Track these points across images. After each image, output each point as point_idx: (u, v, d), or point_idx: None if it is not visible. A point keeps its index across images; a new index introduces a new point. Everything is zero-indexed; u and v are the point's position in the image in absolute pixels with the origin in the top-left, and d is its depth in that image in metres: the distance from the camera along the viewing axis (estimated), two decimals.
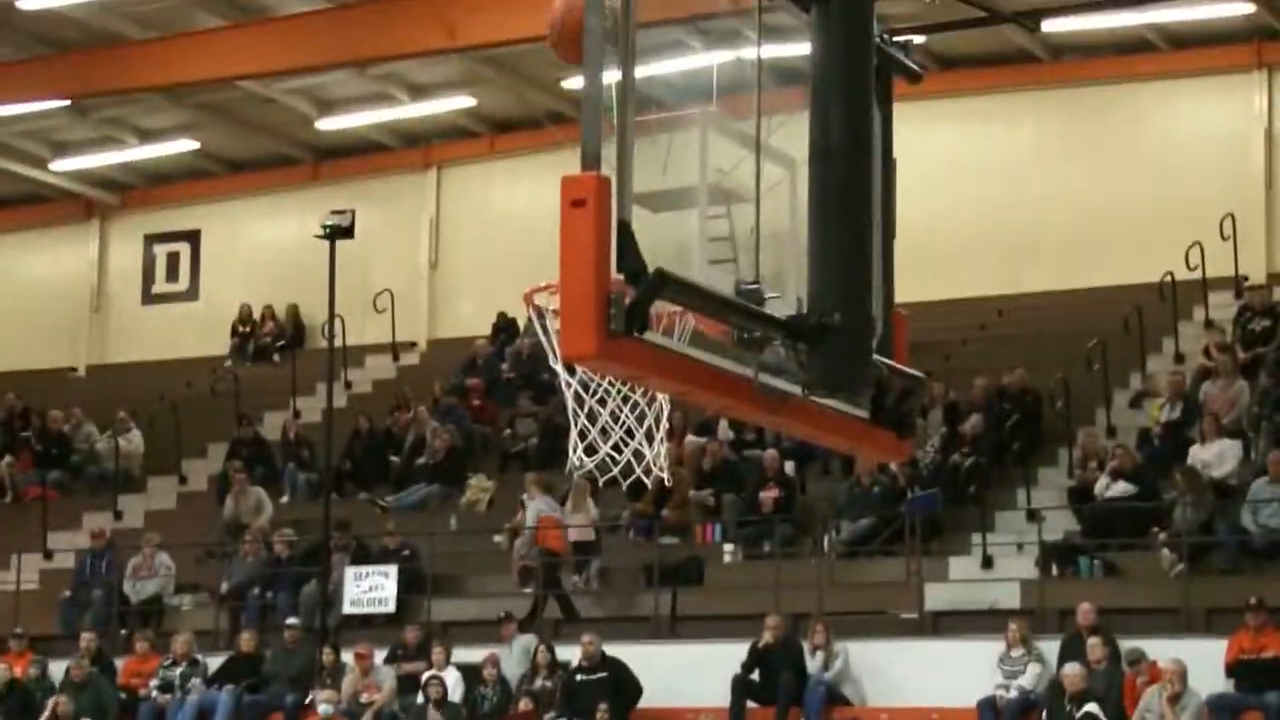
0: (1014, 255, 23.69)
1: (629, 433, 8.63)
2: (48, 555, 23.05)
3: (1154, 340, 21.34)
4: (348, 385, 25.53)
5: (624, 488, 19.62)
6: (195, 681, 19.07)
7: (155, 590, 21.04)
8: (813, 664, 17.15)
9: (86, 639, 19.63)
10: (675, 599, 18.60)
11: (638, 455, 8.68)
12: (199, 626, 20.27)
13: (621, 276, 5.61)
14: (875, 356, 6.38)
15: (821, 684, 16.97)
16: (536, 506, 19.64)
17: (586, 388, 8.21)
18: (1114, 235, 23.09)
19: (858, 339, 6.23)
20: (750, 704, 17.05)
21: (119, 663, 19.85)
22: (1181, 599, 16.63)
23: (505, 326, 24.94)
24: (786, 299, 6.29)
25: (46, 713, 18.61)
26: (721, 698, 17.00)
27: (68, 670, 19.12)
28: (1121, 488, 17.73)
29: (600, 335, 5.52)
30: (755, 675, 17.14)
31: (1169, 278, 21.50)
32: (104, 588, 21.03)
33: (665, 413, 8.52)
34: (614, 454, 8.64)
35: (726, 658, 17.17)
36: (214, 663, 19.41)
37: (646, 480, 9.34)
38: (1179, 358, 21.04)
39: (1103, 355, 19.94)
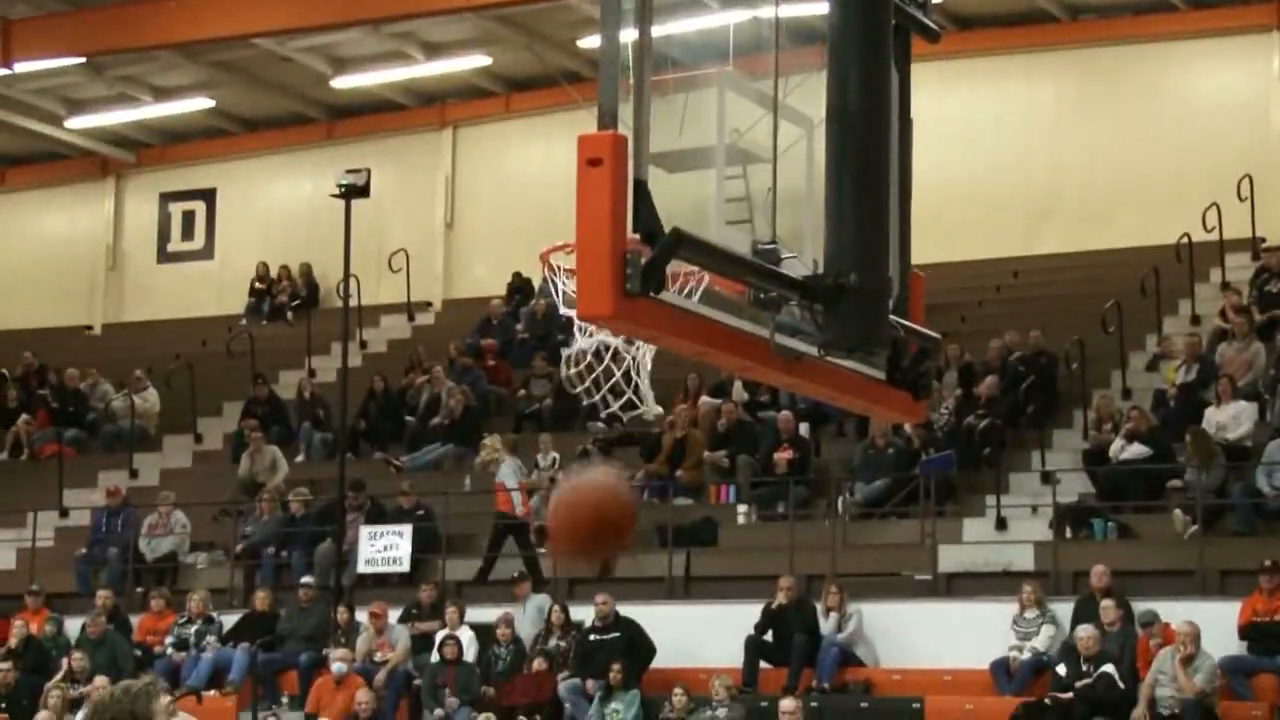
0: (1030, 216, 23.63)
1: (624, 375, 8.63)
2: (64, 513, 23.13)
3: (1170, 302, 21.27)
4: (363, 345, 25.54)
5: (639, 449, 19.87)
6: (210, 639, 19.15)
7: (170, 548, 21.11)
8: (826, 625, 17.18)
9: (102, 596, 19.69)
10: (689, 560, 18.62)
11: (623, 396, 8.70)
12: (214, 585, 20.34)
13: (638, 236, 5.59)
14: (891, 317, 6.37)
15: (835, 645, 17.00)
16: (506, 468, 19.65)
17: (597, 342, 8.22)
18: (1131, 196, 23.01)
19: (874, 299, 6.21)
20: (763, 664, 17.08)
21: (134, 620, 19.92)
22: (1195, 561, 16.62)
23: (520, 287, 24.92)
24: (803, 259, 6.27)
25: (62, 669, 18.69)
26: (735, 658, 17.04)
27: (84, 627, 19.20)
28: (1136, 450, 17.70)
29: (616, 295, 5.51)
30: (768, 636, 17.18)
31: (1186, 239, 21.42)
32: (119, 546, 21.09)
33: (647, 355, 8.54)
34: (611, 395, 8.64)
35: (740, 618, 17.21)
36: (229, 620, 19.48)
37: (627, 412, 9.36)
38: (1195, 320, 20.98)
39: (1119, 317, 19.88)
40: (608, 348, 8.57)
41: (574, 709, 17.05)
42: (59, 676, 18.55)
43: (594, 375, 8.28)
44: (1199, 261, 21.51)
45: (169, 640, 19.33)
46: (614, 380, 8.45)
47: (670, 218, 5.63)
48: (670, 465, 19.85)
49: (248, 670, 18.71)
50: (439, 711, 17.38)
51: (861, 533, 18.68)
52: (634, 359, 8.50)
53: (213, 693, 18.61)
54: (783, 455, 19.29)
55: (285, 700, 18.33)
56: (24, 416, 25.07)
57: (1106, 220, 22.98)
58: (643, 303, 5.59)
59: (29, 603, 20.22)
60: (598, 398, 8.60)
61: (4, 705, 17.90)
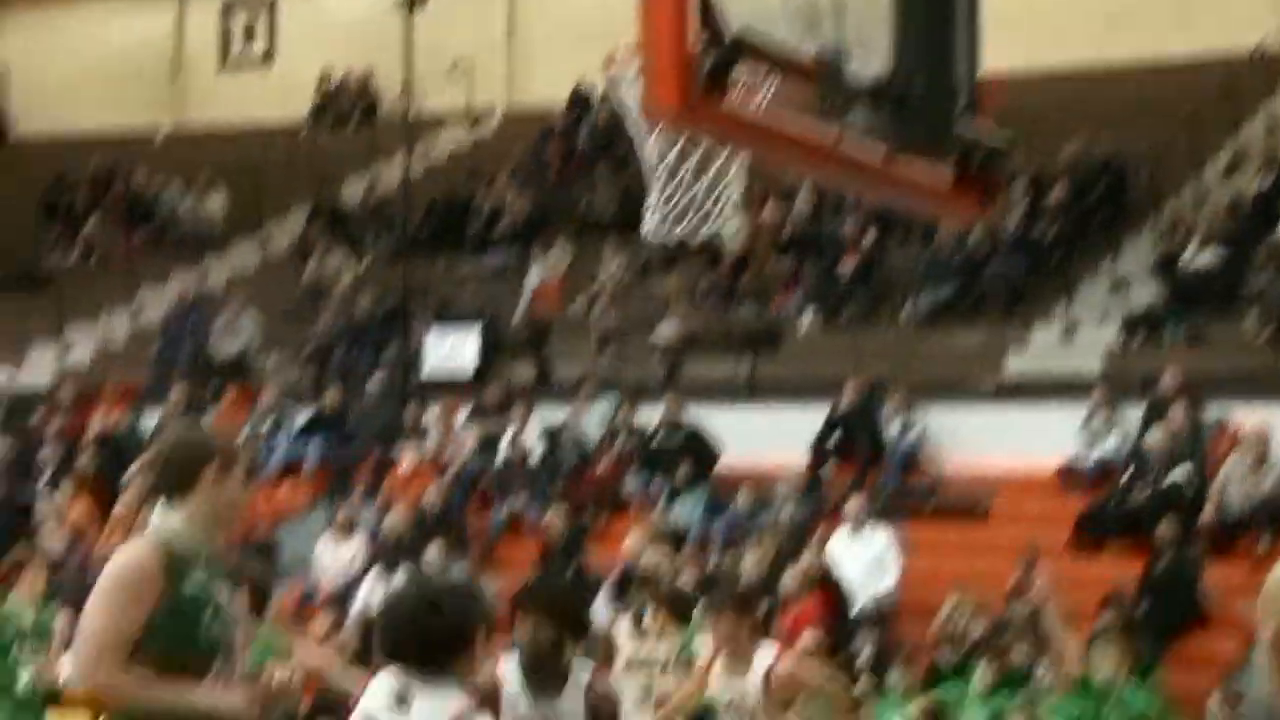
0: (1106, 22, 23.08)
1: (706, 194, 8.57)
2: (135, 314, 23.46)
3: (1248, 108, 20.85)
4: (425, 154, 25.49)
5: (703, 255, 19.86)
6: (282, 433, 19.46)
7: (240, 348, 21.35)
8: (892, 429, 17.26)
9: (176, 394, 19.98)
10: (754, 365, 18.69)
11: (712, 216, 8.61)
12: (284, 385, 20.56)
13: (703, 39, 5.54)
14: (960, 120, 6.31)
15: (901, 449, 17.11)
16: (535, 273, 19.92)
17: (667, 151, 8.16)
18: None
19: (943, 103, 6.15)
20: (828, 468, 17.21)
21: (208, 417, 20.23)
22: (1268, 365, 16.49)
23: (582, 96, 24.72)
24: (871, 62, 6.19)
25: (138, 463, 19.04)
26: (800, 461, 17.19)
27: (159, 423, 19.55)
28: (1209, 256, 17.52)
29: (682, 97, 5.47)
30: (834, 440, 17.29)
31: (1264, 44, 20.93)
32: (191, 345, 21.36)
33: (739, 174, 8.47)
34: (689, 215, 8.57)
35: (805, 422, 17.31)
36: (299, 421, 19.75)
37: (719, 240, 9.36)
38: (1273, 126, 20.58)
39: (1194, 124, 19.53)
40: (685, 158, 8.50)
41: (640, 508, 17.29)
42: (135, 469, 18.88)
43: (684, 189, 8.22)
44: (1278, 66, 21.04)
45: (242, 436, 19.61)
46: (699, 193, 8.37)
47: (737, 21, 5.57)
48: (735, 271, 19.85)
49: (319, 465, 19.02)
50: (507, 508, 17.66)
51: (927, 339, 18.66)
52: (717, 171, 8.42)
53: (286, 484, 18.95)
54: (848, 261, 19.23)
55: (357, 493, 18.59)
56: (94, 220, 25.31)
57: (1184, 25, 22.44)
58: (708, 105, 5.56)
59: (104, 400, 20.58)
60: (681, 211, 8.53)
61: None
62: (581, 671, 6.13)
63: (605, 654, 10.06)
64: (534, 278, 20.07)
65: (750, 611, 8.41)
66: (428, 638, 4.90)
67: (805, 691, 8.32)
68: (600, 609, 14.07)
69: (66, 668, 11.39)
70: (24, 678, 10.73)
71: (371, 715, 4.86)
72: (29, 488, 19.20)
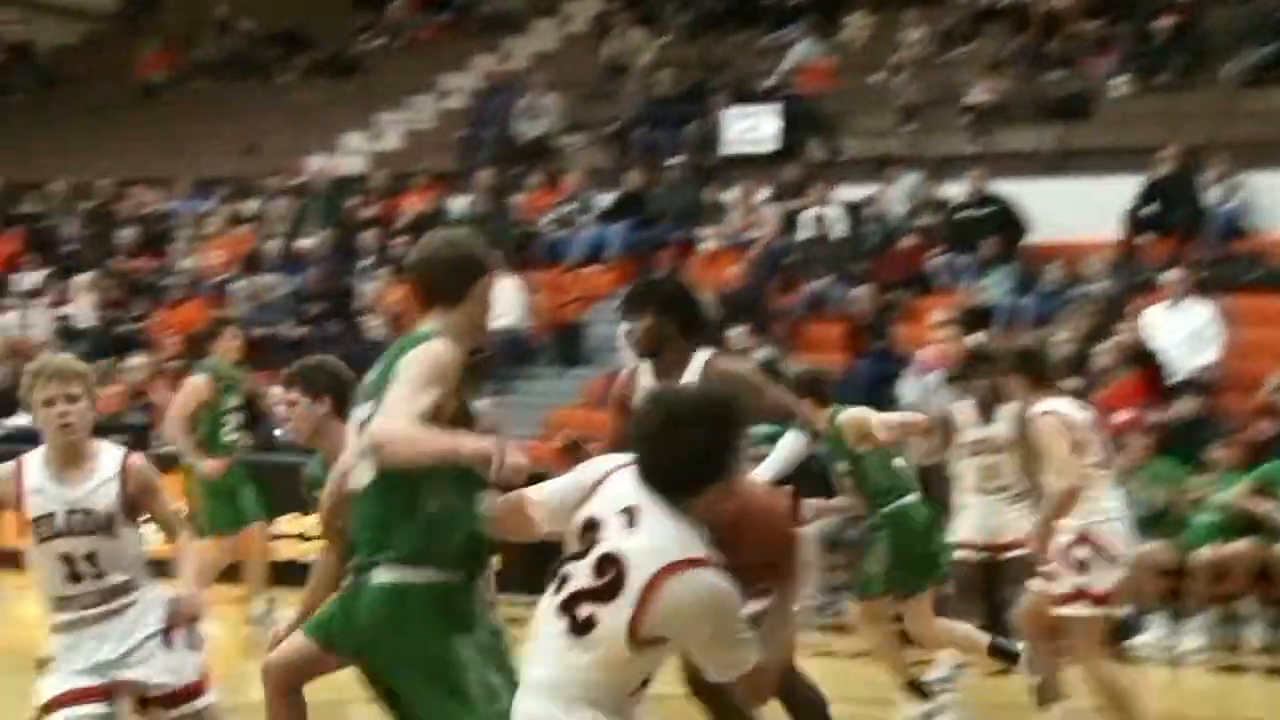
0: None
1: None
2: (440, 99, 23.80)
3: None
4: None
5: (1009, 19, 19.14)
6: (587, 217, 19.64)
7: (544, 130, 21.51)
8: (1211, 196, 16.58)
9: (483, 176, 20.28)
10: (1065, 133, 18.08)
11: None
12: (586, 166, 20.72)
13: None
14: None
15: (1221, 218, 16.44)
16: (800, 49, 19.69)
17: None
18: None
19: None
20: (1144, 239, 16.66)
21: (514, 199, 20.52)
22: None
23: None
24: None
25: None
26: (1113, 232, 16.67)
27: (469, 207, 19.91)
28: None
29: None
30: (1150, 210, 16.69)
31: None
32: (495, 129, 21.60)
33: None
34: None
35: (1118, 192, 16.75)
36: (602, 201, 19.90)
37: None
38: None
39: None
40: None
41: (947, 284, 17.02)
42: None
43: None
44: None
45: (548, 218, 19.87)
46: None
47: None
48: (1043, 35, 19.12)
49: (623, 247, 19.18)
50: (811, 286, 17.58)
51: (1250, 100, 17.78)
52: None
53: (592, 268, 19.19)
54: (1165, 20, 18.36)
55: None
56: (396, 3, 25.62)
57: None
58: None
59: (414, 184, 21.03)
60: None
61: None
62: (700, 356, 6.57)
63: (945, 437, 9.98)
64: (798, 54, 19.60)
65: (1019, 370, 8.58)
66: (662, 463, 4.26)
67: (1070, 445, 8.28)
68: (909, 388, 14.00)
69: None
70: (229, 425, 12.04)
71: (601, 518, 4.32)
72: (350, 272, 19.85)
